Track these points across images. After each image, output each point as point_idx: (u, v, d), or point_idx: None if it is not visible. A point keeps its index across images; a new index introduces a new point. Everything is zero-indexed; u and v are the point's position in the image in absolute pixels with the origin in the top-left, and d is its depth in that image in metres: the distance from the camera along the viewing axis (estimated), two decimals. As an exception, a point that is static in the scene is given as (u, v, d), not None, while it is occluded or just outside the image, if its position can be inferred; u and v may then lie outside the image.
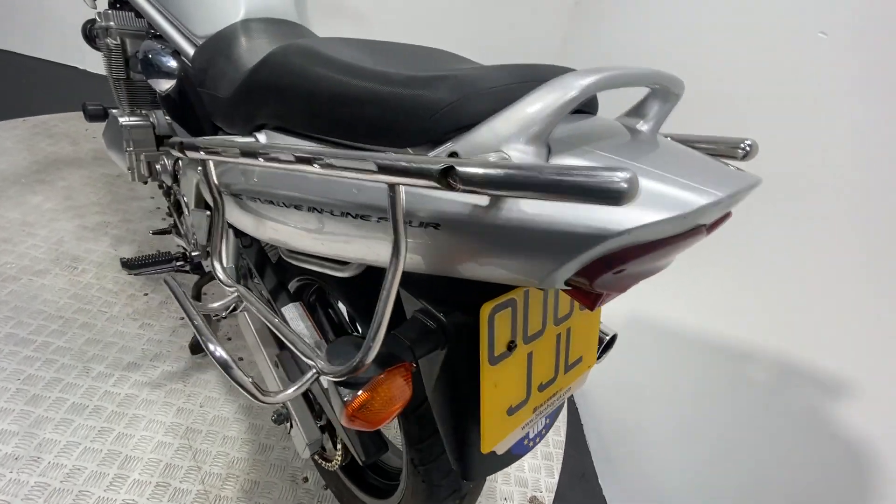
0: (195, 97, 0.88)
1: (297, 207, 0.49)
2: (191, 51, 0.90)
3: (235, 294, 0.80)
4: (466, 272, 0.41)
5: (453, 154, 0.38)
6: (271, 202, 0.52)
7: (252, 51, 0.80)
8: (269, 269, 0.92)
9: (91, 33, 1.25)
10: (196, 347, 1.31)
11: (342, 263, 0.56)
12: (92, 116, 1.28)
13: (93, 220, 1.65)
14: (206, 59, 0.83)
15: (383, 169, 0.35)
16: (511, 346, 0.49)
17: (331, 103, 0.48)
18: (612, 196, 0.24)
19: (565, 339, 0.57)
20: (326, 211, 0.46)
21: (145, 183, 1.22)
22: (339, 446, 0.86)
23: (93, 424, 1.06)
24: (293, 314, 0.85)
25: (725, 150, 0.48)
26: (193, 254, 1.13)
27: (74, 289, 1.39)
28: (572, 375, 0.60)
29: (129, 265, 1.09)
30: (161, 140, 1.20)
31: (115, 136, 1.20)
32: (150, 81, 1.01)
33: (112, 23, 1.06)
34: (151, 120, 1.17)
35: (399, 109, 0.43)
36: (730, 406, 0.96)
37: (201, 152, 0.52)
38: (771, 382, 0.88)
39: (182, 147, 0.55)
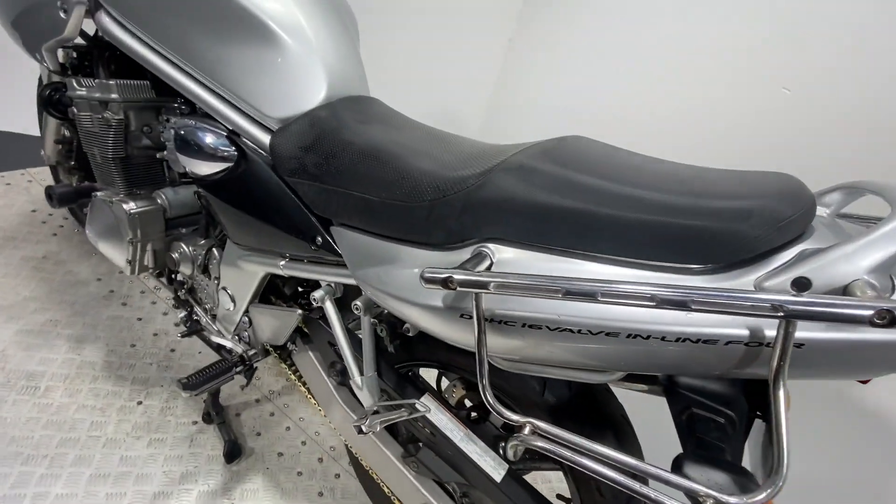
0: (272, 186, 0.78)
1: (610, 334, 0.47)
2: (261, 134, 0.79)
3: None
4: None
5: (803, 279, 0.41)
6: (556, 328, 0.49)
7: (364, 136, 0.72)
8: (385, 363, 0.84)
9: (59, 101, 1.01)
10: (231, 454, 1.13)
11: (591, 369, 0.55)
12: (62, 201, 1.03)
13: (34, 320, 1.31)
14: (298, 146, 0.74)
15: (784, 310, 0.37)
16: None
17: (621, 223, 0.48)
18: None
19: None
20: (655, 337, 0.46)
21: (133, 273, 1.01)
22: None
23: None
24: (431, 405, 0.79)
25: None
26: (250, 353, 0.97)
27: (46, 415, 1.10)
28: None
29: (191, 386, 0.90)
30: (170, 223, 1.02)
31: (109, 225, 0.99)
32: (186, 164, 0.86)
33: (115, 94, 0.88)
34: (160, 202, 0.99)
35: (705, 237, 0.45)
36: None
37: (491, 286, 0.47)
38: None
39: (454, 283, 0.48)
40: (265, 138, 0.79)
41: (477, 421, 0.90)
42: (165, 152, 0.93)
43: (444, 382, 0.92)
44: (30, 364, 1.20)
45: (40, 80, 1.50)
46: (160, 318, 1.45)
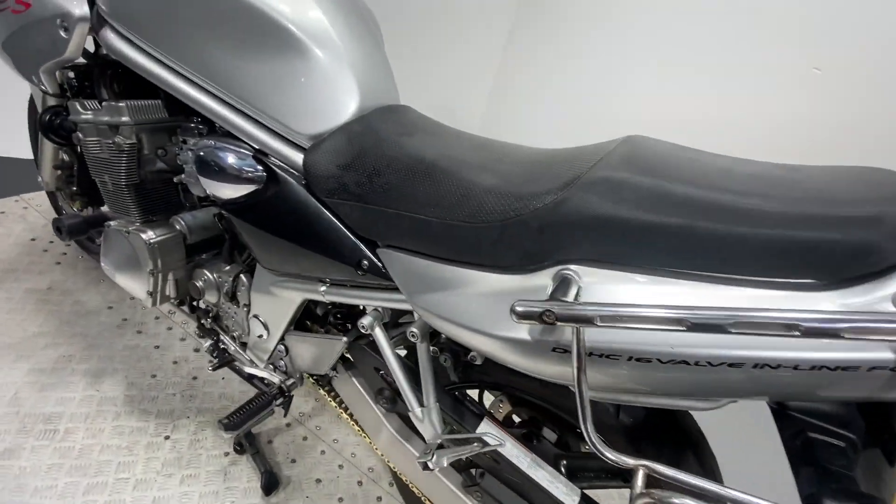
0: (308, 208, 0.72)
1: (734, 365, 0.42)
2: (291, 152, 0.73)
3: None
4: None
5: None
6: (662, 360, 0.44)
7: (409, 151, 0.66)
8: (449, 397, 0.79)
9: (60, 126, 0.94)
10: (269, 486, 1.07)
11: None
12: (72, 233, 0.96)
13: (46, 357, 1.24)
14: (336, 164, 0.68)
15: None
16: None
17: (730, 240, 0.43)
18: None
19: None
20: (786, 366, 0.41)
21: (155, 304, 0.94)
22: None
23: None
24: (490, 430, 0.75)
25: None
26: (287, 383, 0.91)
27: (69, 460, 1.04)
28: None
29: (233, 425, 0.84)
30: (191, 249, 0.95)
31: (126, 256, 0.92)
32: (208, 187, 0.80)
33: (125, 117, 0.81)
34: (179, 228, 0.92)
35: (830, 250, 0.40)
36: None
37: (597, 320, 0.41)
38: None
39: (553, 317, 0.43)
40: (296, 157, 0.73)
41: (529, 437, 0.86)
42: (183, 176, 0.87)
43: (487, 395, 0.87)
44: (46, 406, 1.14)
45: (31, 101, 1.42)
46: (178, 344, 1.38)
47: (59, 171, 1.26)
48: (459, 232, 0.57)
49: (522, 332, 0.49)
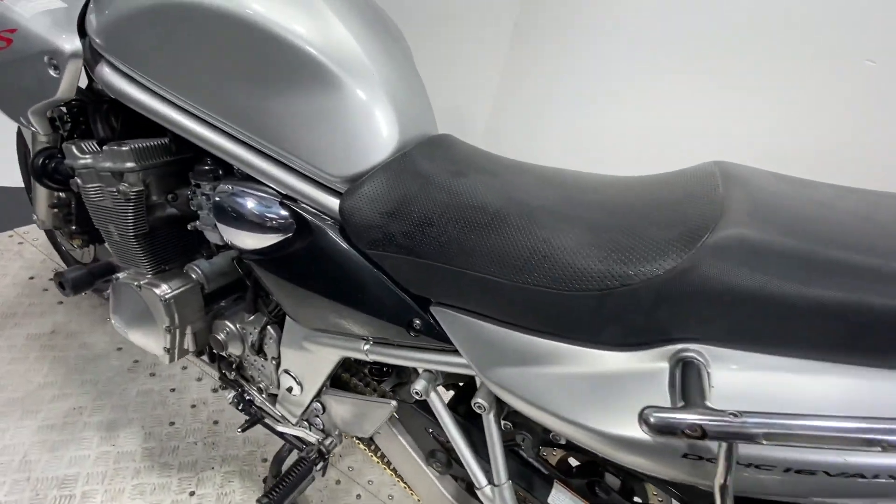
0: (347, 260, 0.63)
1: None
2: (325, 197, 0.64)
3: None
4: None
5: None
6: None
7: (465, 196, 0.57)
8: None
9: (55, 170, 0.84)
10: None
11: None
12: (77, 287, 0.87)
13: (55, 411, 1.15)
14: (379, 211, 0.59)
15: None
16: None
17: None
18: None
19: None
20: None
21: (173, 361, 0.85)
22: None
23: None
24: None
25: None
26: (326, 443, 0.83)
27: (89, 529, 0.96)
28: None
29: (276, 502, 0.76)
30: (209, 297, 0.86)
31: (139, 312, 0.83)
32: (229, 236, 0.70)
33: (131, 163, 0.71)
34: (196, 278, 0.83)
35: None
36: None
37: (762, 438, 0.33)
38: None
39: (703, 432, 0.34)
40: (330, 202, 0.64)
41: (592, 487, 0.78)
42: (197, 223, 0.77)
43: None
44: (59, 467, 1.05)
45: (20, 131, 1.31)
46: (195, 385, 1.30)
47: (55, 210, 1.16)
48: (542, 298, 0.48)
49: (643, 432, 0.41)
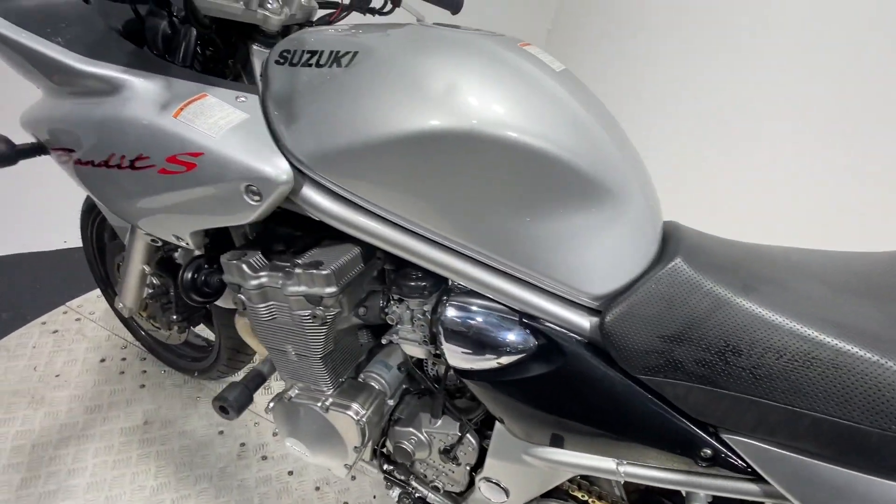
0: (609, 384, 0.57)
1: None
2: (576, 316, 0.58)
3: None
4: None
5: None
6: None
7: (771, 319, 0.50)
8: None
9: (205, 284, 0.74)
10: None
11: None
12: (242, 408, 0.78)
13: (153, 482, 1.06)
14: (658, 335, 0.52)
15: None
16: None
17: None
18: None
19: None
20: None
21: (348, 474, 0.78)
22: None
23: None
24: None
25: None
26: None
27: None
28: None
29: None
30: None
31: (324, 433, 0.76)
32: (451, 357, 0.63)
33: (332, 288, 0.62)
34: (379, 388, 0.76)
35: None
36: None
37: None
38: None
39: None
40: (583, 321, 0.58)
41: None
42: (395, 336, 0.69)
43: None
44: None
45: (88, 203, 1.19)
46: (310, 465, 1.22)
47: (152, 300, 1.05)
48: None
49: None
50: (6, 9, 0.63)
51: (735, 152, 1.48)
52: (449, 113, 0.51)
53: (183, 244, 0.71)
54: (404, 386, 0.84)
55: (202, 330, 1.34)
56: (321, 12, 0.82)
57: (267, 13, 0.67)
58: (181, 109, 0.57)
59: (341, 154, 0.54)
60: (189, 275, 0.74)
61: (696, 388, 0.52)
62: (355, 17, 0.84)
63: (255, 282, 0.67)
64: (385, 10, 0.88)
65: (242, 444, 1.23)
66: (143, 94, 0.59)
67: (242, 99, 0.61)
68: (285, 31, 0.75)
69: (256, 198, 0.56)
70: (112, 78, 0.59)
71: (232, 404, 0.77)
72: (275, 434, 1.27)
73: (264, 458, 1.21)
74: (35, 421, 1.20)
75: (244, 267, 0.66)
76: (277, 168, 0.55)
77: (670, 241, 0.60)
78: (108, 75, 0.59)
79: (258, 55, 0.72)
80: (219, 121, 0.57)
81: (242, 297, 0.71)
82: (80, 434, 1.19)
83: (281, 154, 0.56)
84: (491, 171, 0.52)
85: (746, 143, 1.44)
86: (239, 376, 1.37)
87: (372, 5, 0.88)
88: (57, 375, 1.32)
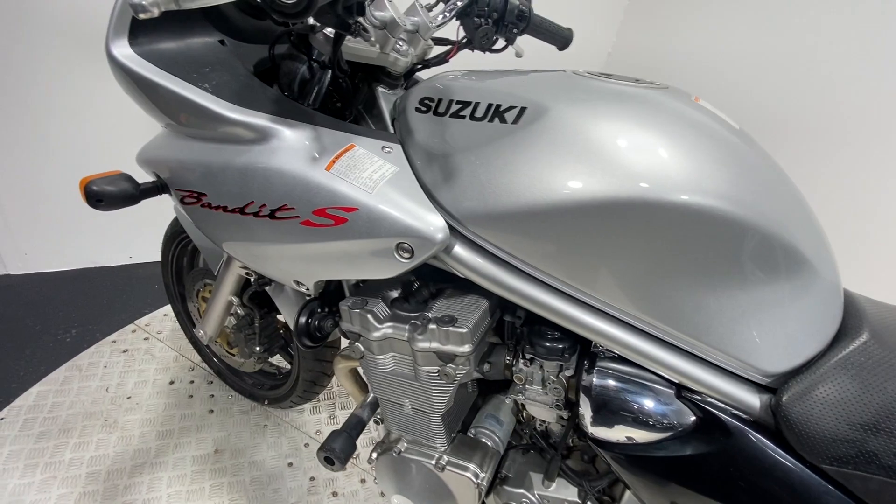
0: (782, 470, 0.52)
1: None
2: (744, 393, 0.53)
3: None
4: None
5: None
6: None
7: None
8: None
9: (318, 329, 0.72)
10: None
11: None
12: (348, 457, 0.75)
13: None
14: (848, 422, 0.47)
15: None
16: None
17: None
18: None
19: None
20: None
21: None
22: None
23: None
24: None
25: None
26: None
27: None
28: None
29: None
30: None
31: (437, 493, 0.72)
32: (596, 427, 0.60)
33: (468, 346, 0.59)
34: (492, 445, 0.72)
35: None
36: None
37: None
38: None
39: None
40: (752, 398, 0.53)
41: None
42: (521, 397, 0.66)
43: None
44: None
45: (172, 227, 1.19)
46: (381, 501, 1.18)
47: (238, 332, 1.04)
48: None
49: None
50: (149, 52, 0.63)
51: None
52: (656, 184, 0.47)
53: (302, 289, 0.69)
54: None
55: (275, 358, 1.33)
56: (436, 50, 0.81)
57: (398, 56, 0.66)
58: (333, 162, 0.55)
59: (511, 215, 0.51)
60: (304, 319, 0.71)
61: (892, 484, 0.47)
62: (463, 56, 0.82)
63: (378, 333, 0.64)
64: (498, 48, 0.86)
65: (312, 479, 1.21)
66: (291, 144, 0.57)
67: (388, 150, 0.59)
68: (408, 72, 0.74)
69: (407, 255, 0.54)
70: (260, 126, 0.58)
71: (339, 455, 0.74)
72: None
73: (335, 494, 1.18)
74: (109, 446, 1.20)
75: (369, 318, 0.64)
76: (434, 226, 0.52)
77: (848, 313, 0.56)
78: (257, 124, 0.57)
79: (385, 97, 0.71)
80: (372, 174, 0.55)
81: (361, 346, 0.68)
82: (154, 461, 1.18)
83: (436, 211, 0.54)
84: (685, 241, 0.48)
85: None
86: (306, 407, 1.36)
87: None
88: (128, 397, 1.32)
